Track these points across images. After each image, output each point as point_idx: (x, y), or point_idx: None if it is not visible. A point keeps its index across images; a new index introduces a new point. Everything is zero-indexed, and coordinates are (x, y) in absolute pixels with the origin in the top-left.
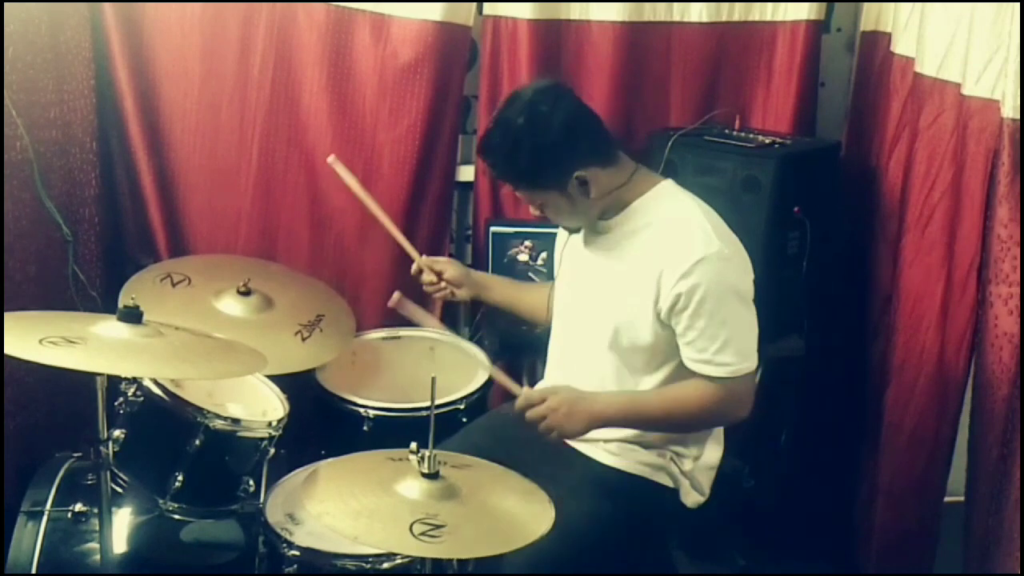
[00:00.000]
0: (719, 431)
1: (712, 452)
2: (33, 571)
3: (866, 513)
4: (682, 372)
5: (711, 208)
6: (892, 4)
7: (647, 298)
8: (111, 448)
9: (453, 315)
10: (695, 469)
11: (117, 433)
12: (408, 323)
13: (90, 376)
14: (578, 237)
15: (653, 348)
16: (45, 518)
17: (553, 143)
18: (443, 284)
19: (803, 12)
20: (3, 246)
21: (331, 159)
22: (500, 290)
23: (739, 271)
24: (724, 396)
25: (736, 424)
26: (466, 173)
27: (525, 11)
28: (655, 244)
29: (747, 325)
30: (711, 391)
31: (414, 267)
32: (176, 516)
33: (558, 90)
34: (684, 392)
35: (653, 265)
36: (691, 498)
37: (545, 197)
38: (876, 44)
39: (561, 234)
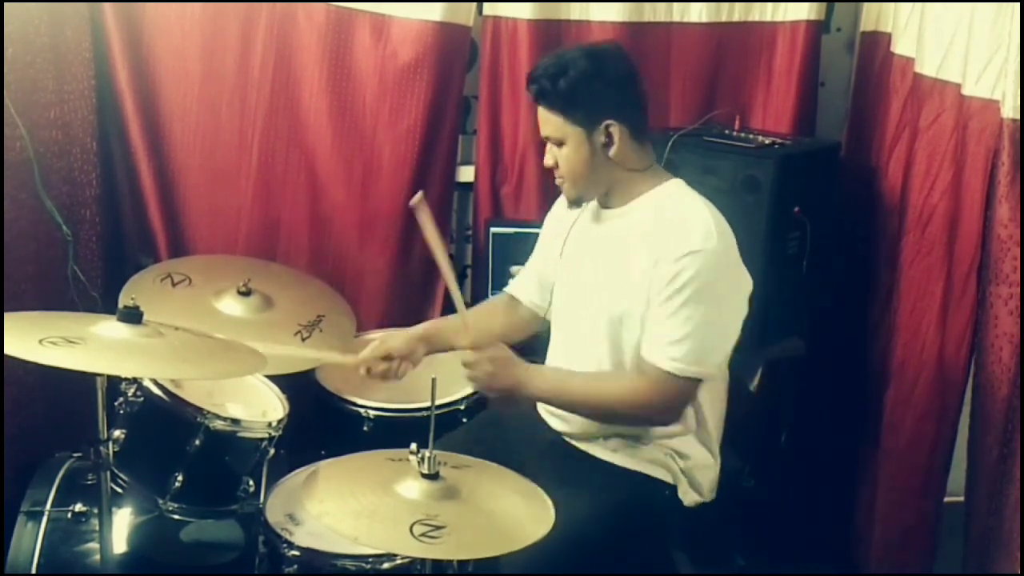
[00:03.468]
0: (713, 435)
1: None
2: (33, 571)
3: (866, 513)
4: None
5: (719, 212)
6: (892, 4)
7: (644, 291)
8: (111, 448)
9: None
10: (693, 467)
11: (117, 433)
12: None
13: (90, 376)
14: (581, 229)
15: None
16: (45, 518)
17: (600, 78)
18: (397, 360)
19: (803, 12)
20: (3, 246)
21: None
22: (449, 331)
23: (729, 275)
24: (653, 394)
25: (655, 426)
26: (466, 173)
27: (525, 11)
28: (657, 239)
29: (715, 331)
30: (640, 386)
31: (361, 370)
32: (176, 516)
33: (622, 49)
34: (611, 383)
35: (652, 258)
36: (689, 497)
37: (572, 132)
38: (876, 44)
39: (553, 223)
